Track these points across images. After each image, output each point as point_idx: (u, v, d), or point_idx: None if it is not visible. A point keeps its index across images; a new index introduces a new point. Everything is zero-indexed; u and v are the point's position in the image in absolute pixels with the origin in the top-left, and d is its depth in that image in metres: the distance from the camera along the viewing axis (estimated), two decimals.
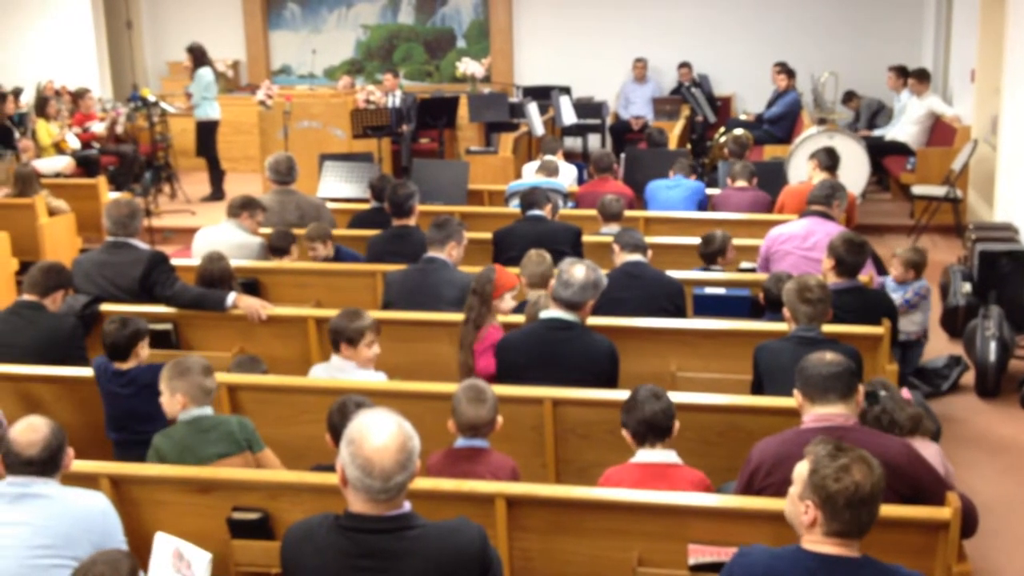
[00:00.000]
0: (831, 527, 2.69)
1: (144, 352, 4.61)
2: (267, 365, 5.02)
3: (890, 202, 11.64)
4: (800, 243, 5.98)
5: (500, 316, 5.01)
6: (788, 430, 3.64)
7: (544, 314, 4.65)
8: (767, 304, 5.32)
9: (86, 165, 11.13)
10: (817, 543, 2.71)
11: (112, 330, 4.57)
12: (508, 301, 4.96)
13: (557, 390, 4.40)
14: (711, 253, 6.10)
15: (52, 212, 8.69)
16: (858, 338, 4.84)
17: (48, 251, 8.27)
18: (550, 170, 8.31)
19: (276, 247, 6.52)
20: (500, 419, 3.86)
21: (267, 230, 6.79)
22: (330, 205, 7.74)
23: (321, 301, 6.13)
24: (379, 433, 2.70)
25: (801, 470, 2.77)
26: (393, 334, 5.25)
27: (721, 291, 5.67)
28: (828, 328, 4.59)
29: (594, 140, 13.48)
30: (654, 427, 3.68)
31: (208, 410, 4.07)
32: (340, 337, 4.58)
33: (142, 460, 4.01)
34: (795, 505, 2.78)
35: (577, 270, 4.56)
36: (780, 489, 3.29)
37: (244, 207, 6.59)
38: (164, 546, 3.22)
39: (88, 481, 3.61)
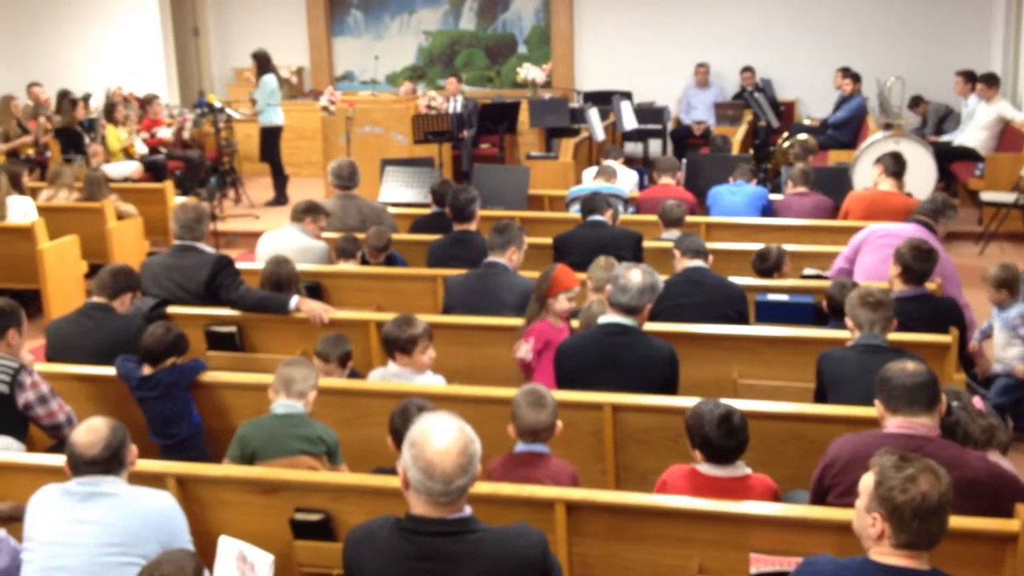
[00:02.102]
0: (899, 539, 2.64)
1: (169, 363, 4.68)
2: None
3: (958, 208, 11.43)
4: (894, 242, 5.90)
5: (552, 316, 4.97)
6: (870, 431, 3.60)
7: (602, 319, 4.63)
8: (831, 311, 5.26)
9: (153, 170, 11.33)
10: (885, 555, 2.67)
11: (155, 334, 4.65)
12: (563, 302, 4.93)
13: (617, 395, 4.38)
14: (767, 269, 6.04)
15: (120, 216, 8.85)
16: (924, 347, 4.76)
17: (116, 254, 8.42)
18: (609, 175, 8.29)
19: (343, 249, 6.60)
20: (560, 424, 3.85)
21: (330, 235, 6.86)
22: (391, 210, 7.80)
23: (382, 305, 6.18)
24: (441, 436, 2.71)
25: (867, 482, 2.73)
26: (453, 338, 5.28)
27: (784, 298, 5.61)
28: (893, 336, 4.52)
29: (655, 145, 13.43)
30: (731, 455, 3.62)
31: (299, 407, 4.12)
32: (394, 347, 4.63)
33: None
34: (862, 518, 2.73)
35: (633, 275, 4.54)
36: (850, 488, 3.25)
37: (308, 212, 6.67)
38: (228, 549, 3.26)
39: (155, 481, 3.67)
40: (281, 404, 4.11)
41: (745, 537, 3.41)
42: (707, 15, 14.00)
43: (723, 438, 3.58)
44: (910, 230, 6.00)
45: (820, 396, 4.52)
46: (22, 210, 8.12)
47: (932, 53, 13.22)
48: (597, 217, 6.59)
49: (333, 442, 4.14)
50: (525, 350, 4.80)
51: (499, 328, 5.30)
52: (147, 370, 4.63)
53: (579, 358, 4.60)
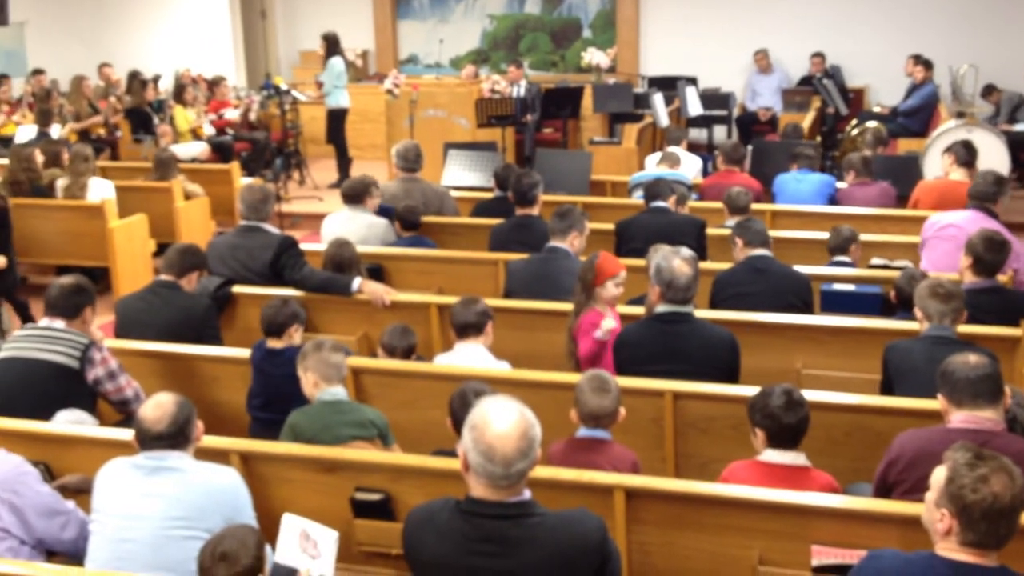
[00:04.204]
0: (966, 537, 2.59)
1: (297, 336, 4.74)
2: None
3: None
4: (957, 233, 5.79)
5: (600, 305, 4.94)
6: (935, 427, 3.54)
7: (659, 308, 4.59)
8: (899, 302, 5.17)
9: (220, 151, 11.47)
10: (952, 551, 2.62)
11: (271, 309, 4.73)
12: (611, 289, 4.88)
13: (678, 383, 4.35)
14: (839, 244, 5.94)
15: (188, 196, 8.97)
16: (994, 340, 4.67)
17: (183, 234, 8.52)
18: (672, 161, 8.21)
19: (407, 221, 6.72)
20: (623, 411, 3.84)
21: None
22: (453, 193, 7.81)
23: (443, 288, 6.20)
24: (502, 420, 2.72)
25: (938, 476, 2.67)
26: (514, 323, 5.28)
27: (851, 287, 5.52)
28: (962, 329, 4.43)
29: (720, 132, 13.28)
30: (794, 434, 3.58)
31: (342, 392, 4.16)
32: (467, 327, 4.66)
33: (278, 439, 4.11)
34: (931, 512, 2.68)
35: (680, 269, 4.46)
36: (914, 486, 3.20)
37: (362, 192, 6.71)
38: (291, 527, 3.29)
39: (219, 457, 3.73)
40: (327, 392, 4.13)
41: (807, 529, 3.37)
42: (774, 0, 13.79)
43: (786, 410, 3.54)
44: (968, 217, 5.89)
45: (886, 388, 4.44)
46: (101, 191, 8.27)
47: (1006, 40, 12.89)
48: (660, 203, 6.54)
49: (383, 424, 4.16)
50: (604, 331, 4.70)
51: (560, 313, 5.29)
52: (273, 343, 4.69)
53: (639, 347, 4.57)
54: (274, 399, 4.65)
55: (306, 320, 5.63)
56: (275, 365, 4.66)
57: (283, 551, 3.24)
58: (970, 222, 5.83)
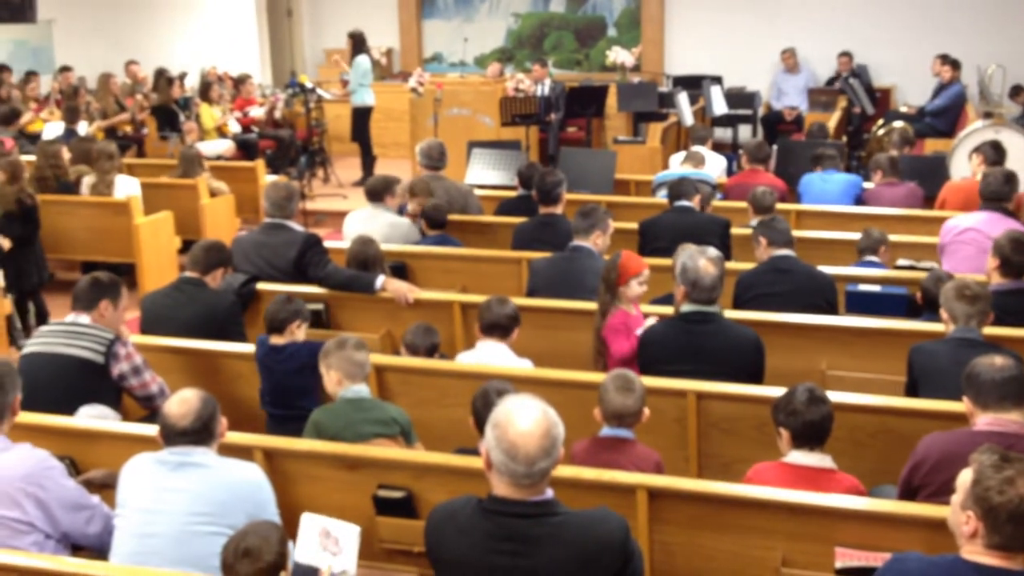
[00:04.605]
0: (992, 540, 2.57)
1: (300, 333, 4.74)
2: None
3: None
4: (977, 236, 5.73)
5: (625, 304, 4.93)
6: (960, 429, 3.51)
7: (684, 308, 4.57)
8: (925, 303, 5.12)
9: (245, 148, 11.53)
10: (978, 554, 2.60)
11: (274, 305, 4.75)
12: (635, 287, 4.87)
13: (701, 383, 4.34)
14: (869, 246, 5.90)
15: (213, 193, 9.02)
16: (1020, 342, 4.61)
17: (209, 230, 8.58)
18: (697, 160, 8.19)
19: (434, 220, 6.71)
20: (647, 411, 3.82)
21: None
22: (477, 192, 7.82)
23: (467, 286, 6.20)
24: (524, 418, 2.71)
25: (964, 479, 2.65)
26: (537, 321, 5.28)
27: (876, 288, 5.49)
28: (989, 331, 4.39)
29: (745, 131, 13.21)
30: (818, 431, 3.55)
31: (365, 390, 4.17)
32: (495, 328, 4.68)
33: (295, 434, 4.13)
34: (956, 514, 2.66)
35: (705, 269, 4.44)
36: (940, 489, 3.17)
37: (384, 190, 6.72)
38: (311, 526, 3.27)
39: (243, 453, 3.74)
40: (350, 390, 4.13)
41: (831, 530, 3.36)
42: None
43: (808, 406, 3.52)
44: (986, 219, 5.84)
45: (911, 390, 4.41)
46: (128, 189, 8.33)
47: None
48: (684, 203, 6.52)
49: (406, 422, 4.16)
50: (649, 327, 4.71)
51: (583, 312, 5.28)
52: (275, 339, 4.72)
53: (663, 346, 4.56)
54: (283, 395, 4.68)
55: (329, 316, 5.69)
56: (277, 361, 4.69)
57: (303, 550, 3.24)
58: (989, 224, 5.77)
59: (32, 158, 8.62)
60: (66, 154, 8.52)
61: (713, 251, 4.59)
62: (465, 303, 5.48)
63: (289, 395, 4.65)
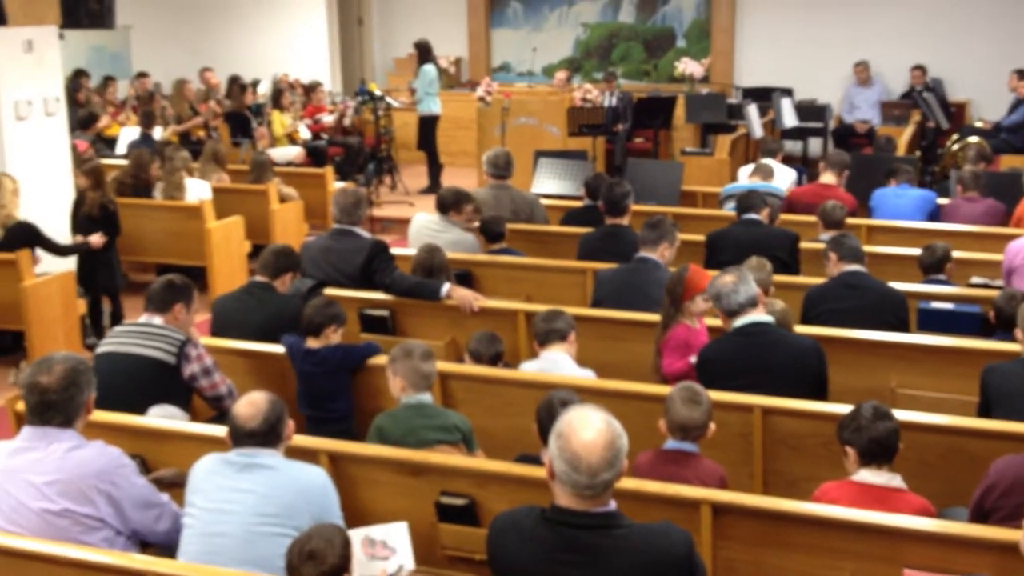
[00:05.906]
0: None
1: (335, 337, 4.78)
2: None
3: None
4: None
5: (688, 319, 4.89)
6: None
7: (738, 322, 4.53)
8: (998, 322, 5.02)
9: (315, 155, 11.67)
10: None
11: (311, 308, 4.79)
12: (700, 303, 4.84)
13: (767, 399, 4.29)
14: (933, 263, 5.79)
15: (283, 199, 9.14)
16: None
17: (278, 235, 8.69)
18: (766, 173, 8.10)
19: (492, 232, 6.70)
20: (713, 425, 3.79)
21: None
22: (543, 201, 7.82)
23: (531, 296, 6.21)
24: (588, 429, 2.70)
25: None
26: (601, 332, 5.27)
27: (949, 306, 5.39)
28: None
29: (815, 144, 13.07)
30: (885, 448, 3.50)
31: (428, 397, 4.19)
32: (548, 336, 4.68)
33: (331, 437, 4.17)
34: None
35: (735, 287, 4.51)
36: (1011, 513, 3.10)
37: (451, 206, 6.68)
38: (354, 543, 3.24)
39: (308, 456, 3.78)
40: (413, 396, 4.15)
41: (899, 552, 3.29)
42: (874, 11, 13.50)
43: (873, 420, 3.47)
44: None
45: (984, 410, 4.32)
46: (199, 192, 8.48)
47: None
48: (752, 215, 6.47)
49: (468, 429, 4.17)
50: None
51: (647, 324, 5.25)
52: (311, 343, 4.77)
53: (725, 362, 4.52)
54: (318, 398, 4.74)
55: (395, 323, 5.72)
56: (312, 364, 4.73)
57: (357, 568, 3.23)
58: None
59: (110, 162, 8.80)
60: (156, 167, 8.64)
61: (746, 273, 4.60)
62: (530, 312, 5.48)
63: (323, 398, 4.70)
